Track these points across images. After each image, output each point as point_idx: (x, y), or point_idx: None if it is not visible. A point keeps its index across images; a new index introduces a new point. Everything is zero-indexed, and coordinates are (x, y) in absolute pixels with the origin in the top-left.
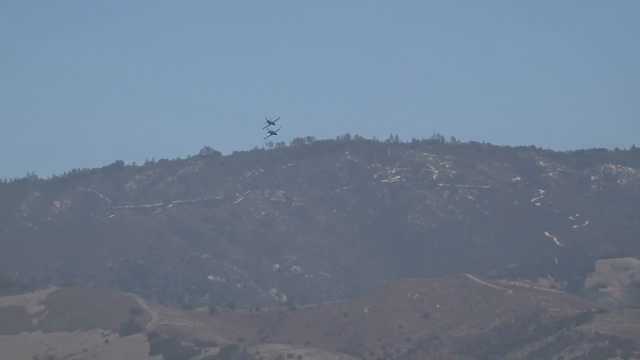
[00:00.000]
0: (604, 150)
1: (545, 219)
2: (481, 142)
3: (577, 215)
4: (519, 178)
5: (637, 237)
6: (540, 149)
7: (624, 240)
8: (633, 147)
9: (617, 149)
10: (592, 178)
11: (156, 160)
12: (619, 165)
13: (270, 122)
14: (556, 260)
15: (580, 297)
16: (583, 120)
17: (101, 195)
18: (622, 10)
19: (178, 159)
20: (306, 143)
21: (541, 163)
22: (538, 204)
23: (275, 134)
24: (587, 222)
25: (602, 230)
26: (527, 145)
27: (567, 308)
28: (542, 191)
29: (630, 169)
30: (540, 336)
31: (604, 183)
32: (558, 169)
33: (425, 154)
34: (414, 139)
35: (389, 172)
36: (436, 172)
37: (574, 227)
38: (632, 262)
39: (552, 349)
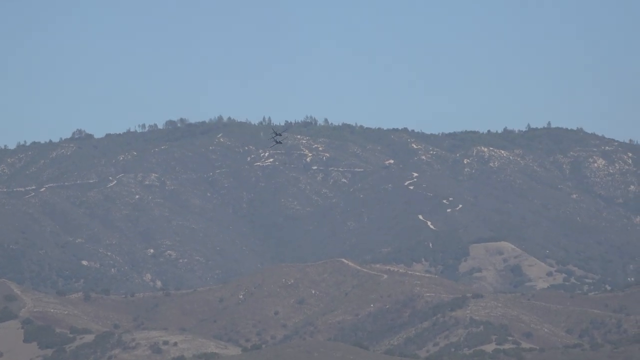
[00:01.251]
0: (476, 132)
1: (419, 202)
2: (354, 124)
3: (450, 199)
4: (392, 161)
5: (510, 221)
6: (413, 131)
7: (498, 224)
8: (505, 129)
9: (489, 132)
10: (465, 161)
11: (28, 143)
12: (491, 148)
13: (277, 134)
14: (430, 245)
15: (455, 282)
16: (455, 103)
17: None
18: None
19: (50, 141)
20: (179, 125)
21: (414, 146)
22: (412, 187)
23: (281, 143)
24: (460, 206)
25: (476, 214)
26: (400, 128)
27: (442, 293)
28: (415, 174)
29: (502, 151)
30: (416, 322)
31: (477, 166)
32: (431, 152)
33: (299, 136)
34: (286, 121)
35: (262, 155)
36: (310, 155)
37: (448, 210)
38: (505, 247)
39: (428, 335)
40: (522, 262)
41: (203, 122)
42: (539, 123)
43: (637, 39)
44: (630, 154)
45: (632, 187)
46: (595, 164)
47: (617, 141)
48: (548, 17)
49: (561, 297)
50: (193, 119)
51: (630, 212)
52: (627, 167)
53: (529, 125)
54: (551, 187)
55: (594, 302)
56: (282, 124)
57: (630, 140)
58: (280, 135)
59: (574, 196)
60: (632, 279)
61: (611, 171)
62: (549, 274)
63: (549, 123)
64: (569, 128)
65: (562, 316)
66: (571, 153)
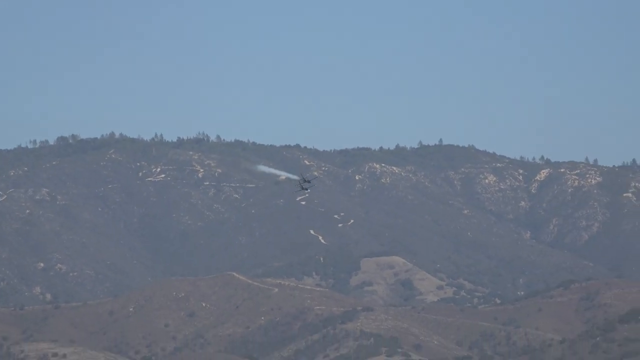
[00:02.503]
0: (368, 149)
1: (311, 217)
2: (246, 140)
3: (342, 214)
4: (284, 177)
5: (401, 236)
6: (305, 147)
7: (389, 239)
8: (397, 146)
9: (381, 148)
10: (357, 177)
11: None
12: (383, 165)
13: (306, 180)
14: (322, 259)
15: (346, 296)
16: (347, 120)
17: None
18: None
19: None
20: (70, 141)
21: (306, 162)
22: (303, 203)
23: (307, 190)
24: (352, 221)
25: (367, 229)
26: (292, 144)
27: (333, 306)
28: (307, 190)
29: (394, 168)
30: (306, 334)
31: (369, 182)
32: (323, 168)
33: (191, 152)
34: (179, 137)
35: (154, 170)
36: (202, 170)
37: (339, 225)
38: (396, 261)
39: (318, 347)
40: (412, 276)
41: (95, 139)
42: (430, 140)
43: (524, 58)
44: (520, 171)
45: (522, 203)
46: (486, 180)
47: (508, 158)
48: (437, 36)
49: (451, 310)
50: (85, 135)
51: (521, 228)
52: (517, 183)
53: (420, 142)
54: (442, 203)
55: (483, 315)
56: (175, 140)
57: (521, 157)
58: (309, 182)
59: (465, 212)
60: (522, 292)
61: (502, 187)
62: (440, 287)
63: (440, 140)
64: (461, 145)
65: (452, 329)
66: (462, 169)
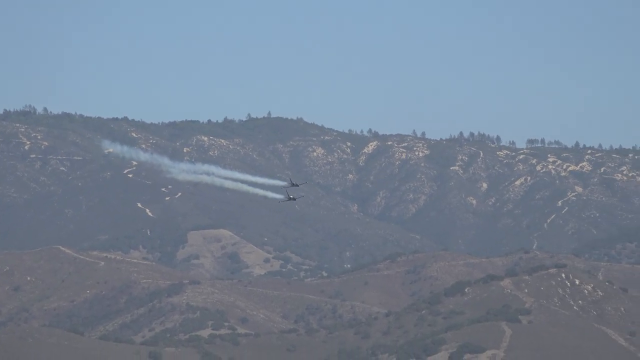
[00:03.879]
0: (197, 122)
1: (138, 190)
2: (74, 113)
3: (169, 187)
4: (111, 150)
5: (229, 209)
6: (133, 120)
7: (216, 212)
8: (225, 119)
9: (209, 121)
10: (185, 150)
11: None
12: (211, 137)
13: (294, 184)
14: (148, 232)
15: (173, 269)
16: (175, 93)
17: None
18: None
19: None
20: None
21: (134, 134)
22: (130, 176)
23: (294, 199)
24: (179, 194)
25: (195, 202)
26: (120, 117)
27: (159, 279)
28: (135, 163)
29: (222, 140)
30: (132, 308)
31: (197, 155)
32: (151, 141)
33: (17, 124)
34: (5, 109)
35: None
36: (28, 143)
37: (167, 199)
38: (223, 234)
39: (144, 321)
40: (240, 250)
41: None
42: (259, 113)
43: (348, 29)
44: (349, 144)
45: (350, 175)
46: (315, 153)
47: (337, 131)
48: (261, 4)
49: (278, 284)
50: None
51: (348, 201)
52: (345, 156)
53: (249, 114)
54: (270, 176)
55: (310, 288)
56: (1, 112)
57: (350, 130)
58: (297, 185)
59: None
60: (348, 265)
61: (330, 160)
62: (267, 260)
63: (269, 113)
64: (289, 118)
65: (278, 302)
66: (291, 142)
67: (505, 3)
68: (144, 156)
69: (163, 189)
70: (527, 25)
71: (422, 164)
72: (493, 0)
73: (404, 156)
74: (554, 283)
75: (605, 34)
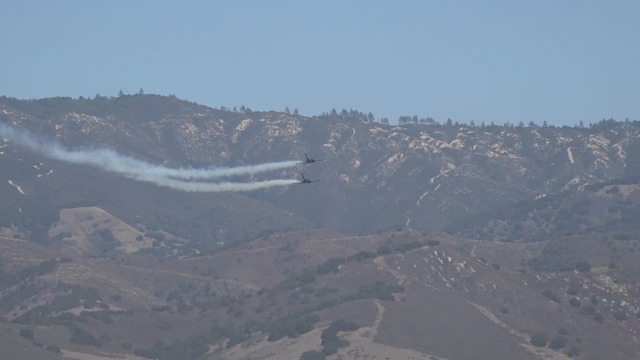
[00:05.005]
0: (68, 99)
1: (10, 167)
2: None
3: (41, 164)
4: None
5: (101, 186)
6: (4, 97)
7: (89, 190)
8: (97, 96)
9: (81, 98)
10: (57, 127)
11: None
12: (83, 114)
13: (309, 160)
14: (20, 210)
15: (44, 247)
16: (47, 69)
17: None
18: None
19: None
20: None
21: (5, 112)
22: (2, 153)
23: (310, 181)
24: (52, 171)
25: (67, 179)
26: None
27: (31, 257)
28: (6, 140)
29: (94, 117)
30: (4, 286)
31: (69, 132)
32: (22, 118)
33: None
34: None
35: None
36: None
37: (39, 176)
38: (96, 211)
39: (16, 298)
40: (112, 227)
41: None
42: (131, 90)
43: (215, 10)
44: (222, 121)
45: (223, 153)
46: (187, 130)
47: (209, 108)
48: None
49: (151, 261)
50: None
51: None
52: (218, 133)
53: (121, 92)
54: (143, 153)
55: (183, 266)
56: None
57: (222, 107)
58: (313, 161)
59: (166, 161)
60: (222, 243)
61: (203, 137)
62: (139, 238)
63: (141, 90)
64: (162, 95)
65: (151, 279)
66: (163, 120)
67: None
68: (14, 133)
69: (35, 166)
70: (397, 4)
71: (295, 141)
72: None
73: (277, 133)
74: (426, 260)
75: (473, 16)
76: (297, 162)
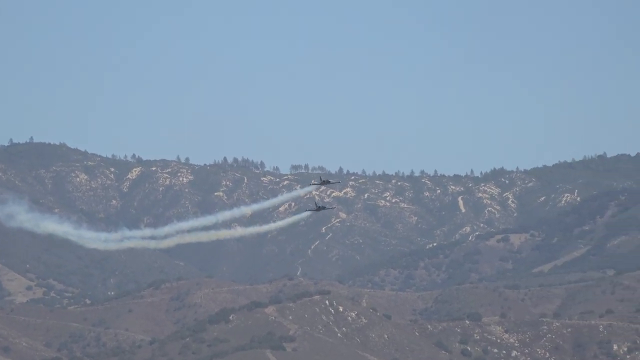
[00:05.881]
0: None
1: None
2: None
3: None
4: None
5: None
6: None
7: None
8: None
9: None
10: None
11: None
12: None
13: (324, 181)
14: None
15: None
16: None
17: None
18: None
19: None
20: None
21: None
22: None
23: (324, 208)
24: None
25: None
26: None
27: None
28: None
29: None
30: None
31: None
32: None
33: None
34: None
35: None
36: None
37: None
38: None
39: None
40: (1, 277)
41: None
42: (21, 138)
43: (151, 57)
44: (112, 169)
45: (114, 201)
46: (78, 179)
47: (100, 156)
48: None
49: (41, 311)
50: None
51: (112, 227)
52: (109, 182)
53: (11, 140)
54: (33, 202)
55: (73, 316)
56: None
57: (113, 155)
58: (328, 182)
59: (56, 210)
60: (112, 292)
61: (93, 186)
62: (29, 288)
63: (31, 138)
64: (52, 143)
65: (41, 330)
66: (54, 168)
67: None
68: None
69: None
70: (284, 51)
71: (187, 190)
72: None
73: (168, 182)
74: (318, 310)
75: (360, 64)
76: (313, 184)
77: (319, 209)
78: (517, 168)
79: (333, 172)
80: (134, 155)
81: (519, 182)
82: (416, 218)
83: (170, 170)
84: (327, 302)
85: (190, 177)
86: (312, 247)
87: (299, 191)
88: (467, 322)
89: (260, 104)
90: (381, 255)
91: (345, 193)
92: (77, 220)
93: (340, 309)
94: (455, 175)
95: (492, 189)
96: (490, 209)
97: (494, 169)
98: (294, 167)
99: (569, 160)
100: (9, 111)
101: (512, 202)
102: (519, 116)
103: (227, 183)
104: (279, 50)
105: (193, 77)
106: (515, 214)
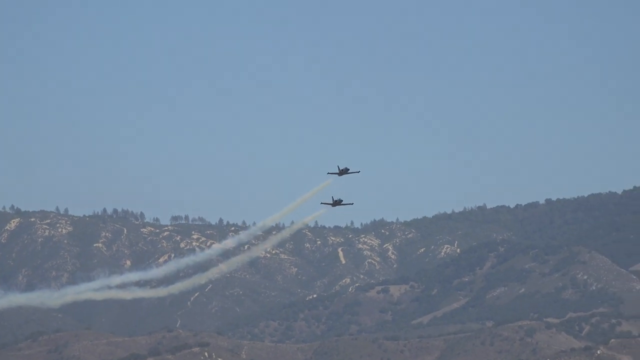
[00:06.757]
0: None
1: None
2: None
3: None
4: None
5: None
6: None
7: None
8: None
9: None
10: None
11: None
12: None
13: (341, 170)
14: None
15: None
16: None
17: None
18: None
19: None
20: None
21: None
22: None
23: (341, 201)
24: None
25: None
26: None
27: None
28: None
29: None
30: None
31: None
32: None
33: None
34: None
35: None
36: None
37: None
38: None
39: None
40: None
41: None
42: None
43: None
44: None
45: None
46: None
47: None
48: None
49: None
50: None
51: None
52: None
53: None
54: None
55: None
56: None
57: None
58: (347, 170)
59: None
60: None
61: None
62: None
63: None
64: None
65: None
66: None
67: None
68: None
69: None
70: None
71: (66, 241)
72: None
73: (47, 233)
74: None
75: (236, 120)
76: (330, 173)
77: (335, 203)
78: (397, 219)
79: (213, 222)
80: (12, 206)
81: (398, 234)
82: (296, 269)
83: (49, 221)
84: (206, 353)
85: (70, 228)
86: (192, 298)
87: (315, 188)
88: None
89: (138, 156)
90: (261, 307)
91: (225, 244)
92: None
93: None
94: (335, 226)
95: (372, 240)
96: (370, 260)
97: (374, 220)
98: (174, 218)
99: (449, 211)
100: None
101: (392, 253)
102: (399, 167)
103: (107, 234)
104: (158, 102)
105: (72, 127)
106: (395, 265)
